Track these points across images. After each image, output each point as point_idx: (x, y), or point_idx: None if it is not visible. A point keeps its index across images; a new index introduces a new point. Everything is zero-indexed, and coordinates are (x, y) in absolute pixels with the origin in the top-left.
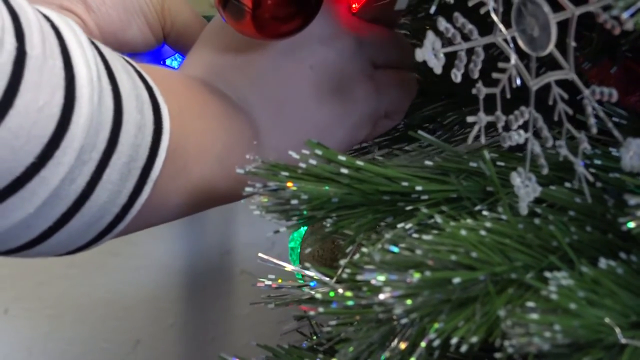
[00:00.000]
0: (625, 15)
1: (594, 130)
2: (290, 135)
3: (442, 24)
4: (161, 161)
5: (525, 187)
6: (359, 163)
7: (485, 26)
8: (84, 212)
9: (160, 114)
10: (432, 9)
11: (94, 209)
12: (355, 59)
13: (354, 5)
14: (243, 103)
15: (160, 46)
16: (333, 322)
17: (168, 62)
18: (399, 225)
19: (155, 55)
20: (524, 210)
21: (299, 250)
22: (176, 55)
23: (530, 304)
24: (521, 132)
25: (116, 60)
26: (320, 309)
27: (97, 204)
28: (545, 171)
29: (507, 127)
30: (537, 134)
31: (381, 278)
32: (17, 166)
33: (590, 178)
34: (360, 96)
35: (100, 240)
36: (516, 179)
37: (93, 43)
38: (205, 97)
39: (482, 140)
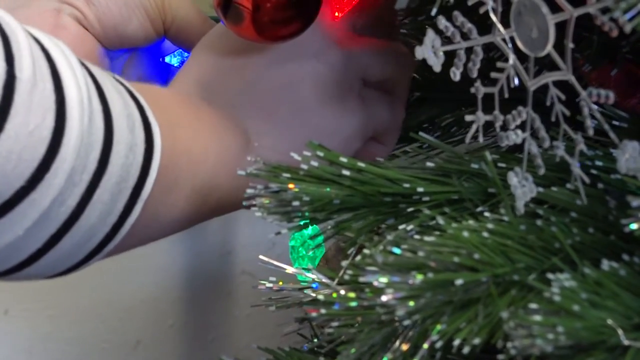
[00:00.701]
0: (624, 18)
1: (591, 132)
2: (282, 146)
3: (442, 22)
4: (152, 180)
5: (522, 187)
6: (361, 165)
7: (486, 27)
8: (73, 233)
9: (152, 132)
10: (434, 11)
11: (84, 229)
12: (344, 74)
13: (336, 14)
14: (234, 115)
15: (160, 40)
16: (334, 324)
17: (167, 59)
18: (401, 227)
19: (155, 52)
20: (521, 209)
21: (300, 249)
22: (175, 52)
23: (533, 305)
24: (518, 132)
25: (107, 80)
26: (323, 311)
27: (87, 225)
28: (541, 171)
29: (504, 127)
30: (536, 135)
31: (383, 280)
32: (7, 189)
33: (586, 179)
34: (349, 110)
35: (90, 260)
36: (513, 179)
37: (83, 64)
38: (195, 111)
39: (480, 139)
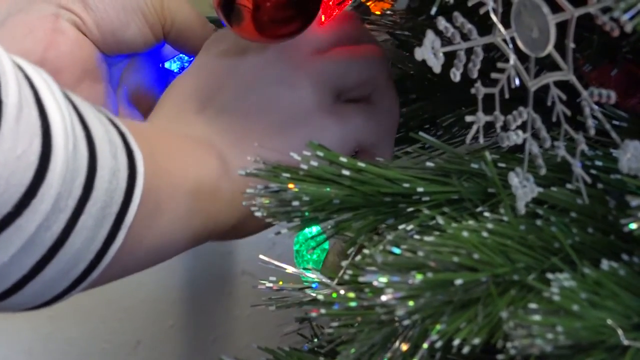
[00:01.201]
0: (624, 18)
1: (592, 132)
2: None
3: (442, 23)
4: (135, 206)
5: (523, 187)
6: (361, 164)
7: (486, 27)
8: (58, 260)
9: (134, 157)
10: (433, 10)
11: (69, 256)
12: (314, 94)
13: (322, 19)
14: (211, 140)
15: (159, 45)
16: (334, 324)
17: (167, 65)
18: (401, 227)
19: (155, 58)
20: (521, 210)
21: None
22: (175, 58)
23: (533, 305)
24: (519, 132)
25: (88, 108)
26: (323, 311)
27: (71, 251)
28: (542, 172)
29: (505, 128)
30: (537, 135)
31: (383, 279)
32: None
33: (588, 179)
34: (323, 130)
35: (74, 289)
36: (514, 179)
37: (64, 92)
38: (172, 137)
39: (481, 140)
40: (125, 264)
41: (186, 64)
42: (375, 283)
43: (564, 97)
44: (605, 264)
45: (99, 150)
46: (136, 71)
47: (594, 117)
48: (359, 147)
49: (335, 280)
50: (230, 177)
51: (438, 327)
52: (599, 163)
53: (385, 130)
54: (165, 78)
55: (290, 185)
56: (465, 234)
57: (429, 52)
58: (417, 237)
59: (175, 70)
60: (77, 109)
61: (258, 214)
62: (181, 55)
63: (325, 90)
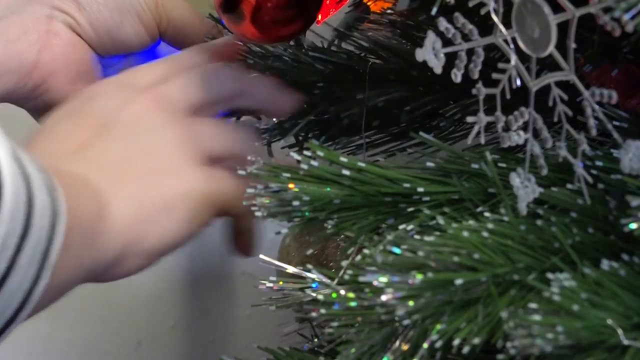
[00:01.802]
0: (625, 17)
1: (594, 132)
2: (126, 213)
3: (443, 23)
4: (59, 243)
5: (524, 187)
6: (361, 164)
7: (487, 28)
8: (1, 299)
9: (57, 195)
10: (434, 10)
11: (7, 295)
12: (185, 147)
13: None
14: (85, 176)
15: (155, 44)
16: (334, 324)
17: None
18: (401, 227)
19: (149, 59)
20: (523, 210)
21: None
22: (171, 55)
23: (533, 305)
24: (521, 132)
25: (15, 144)
26: (323, 311)
27: (10, 290)
28: (544, 172)
29: (507, 128)
30: (538, 135)
31: (383, 279)
32: None
33: (589, 179)
34: (190, 184)
35: (5, 332)
36: (515, 180)
37: None
38: (63, 176)
39: (482, 140)
40: (42, 301)
41: None
42: (375, 283)
43: (565, 97)
44: (605, 264)
45: (33, 186)
46: None
47: (595, 118)
48: (222, 210)
49: (336, 280)
50: (106, 216)
51: (438, 327)
52: (599, 163)
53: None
54: None
55: (291, 185)
56: (465, 234)
57: (430, 53)
58: (417, 237)
59: None
60: (11, 144)
61: (258, 214)
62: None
63: (198, 147)
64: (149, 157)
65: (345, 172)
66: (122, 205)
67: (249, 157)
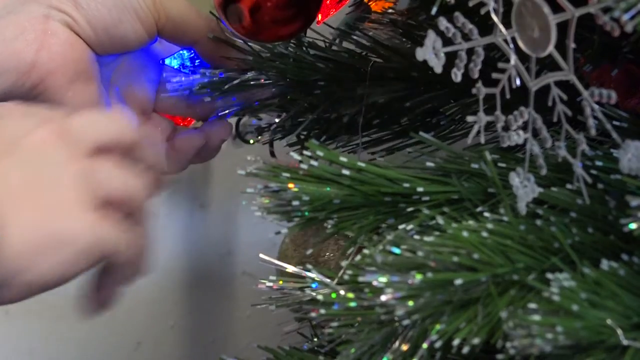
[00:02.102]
0: (625, 18)
1: (593, 132)
2: (19, 240)
3: (443, 23)
4: None
5: (524, 187)
6: (361, 164)
7: (486, 28)
8: None
9: None
10: (434, 10)
11: None
12: (81, 186)
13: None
14: None
15: (151, 43)
16: (334, 324)
17: (167, 61)
18: (401, 227)
19: (146, 57)
20: (522, 210)
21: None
22: (175, 54)
23: (532, 305)
24: (520, 132)
25: None
26: (322, 311)
27: None
28: (544, 172)
29: (506, 127)
30: (537, 135)
31: (383, 279)
32: None
33: (589, 179)
34: (81, 226)
35: None
36: (515, 179)
37: None
38: None
39: (482, 139)
40: None
41: (187, 62)
42: (375, 283)
43: (565, 97)
44: (605, 264)
45: None
46: (127, 72)
47: (595, 117)
48: (105, 258)
49: (335, 280)
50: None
51: (438, 327)
52: (599, 163)
53: (136, 250)
54: (155, 79)
55: (290, 185)
56: (465, 234)
57: (430, 53)
58: (417, 237)
59: (175, 67)
60: None
61: (258, 214)
62: (181, 52)
63: (90, 191)
64: (45, 191)
65: (345, 171)
66: (17, 232)
67: (144, 204)
